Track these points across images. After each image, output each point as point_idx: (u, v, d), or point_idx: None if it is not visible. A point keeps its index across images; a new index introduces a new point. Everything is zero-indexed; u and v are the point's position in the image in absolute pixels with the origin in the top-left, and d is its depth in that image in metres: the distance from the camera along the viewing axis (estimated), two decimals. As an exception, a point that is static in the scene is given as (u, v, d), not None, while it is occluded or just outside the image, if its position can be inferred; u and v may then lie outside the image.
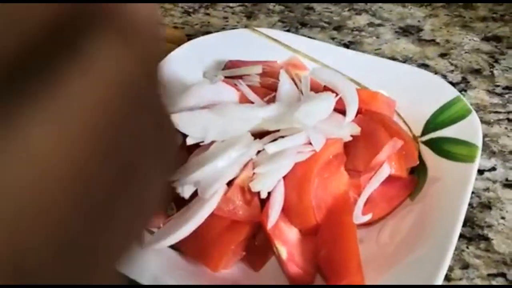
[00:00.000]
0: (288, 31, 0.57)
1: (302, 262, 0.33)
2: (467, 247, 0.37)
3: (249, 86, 0.41)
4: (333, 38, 0.56)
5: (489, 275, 0.36)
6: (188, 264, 0.34)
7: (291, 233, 0.33)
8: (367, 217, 0.34)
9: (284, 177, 0.34)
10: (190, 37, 0.56)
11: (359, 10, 0.59)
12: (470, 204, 0.38)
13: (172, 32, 0.55)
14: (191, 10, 0.61)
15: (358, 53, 0.46)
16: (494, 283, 0.36)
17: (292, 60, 0.46)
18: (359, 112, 0.40)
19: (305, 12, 0.60)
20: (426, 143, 0.39)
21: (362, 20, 0.58)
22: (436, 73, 0.51)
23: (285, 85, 0.41)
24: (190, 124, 0.37)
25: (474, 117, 0.39)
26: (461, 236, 0.37)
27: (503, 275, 0.36)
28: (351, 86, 0.40)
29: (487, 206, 0.40)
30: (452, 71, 0.51)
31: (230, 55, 0.47)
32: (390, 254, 0.34)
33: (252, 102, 0.40)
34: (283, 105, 0.38)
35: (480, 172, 0.42)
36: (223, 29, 0.58)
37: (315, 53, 0.46)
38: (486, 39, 0.55)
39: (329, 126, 0.36)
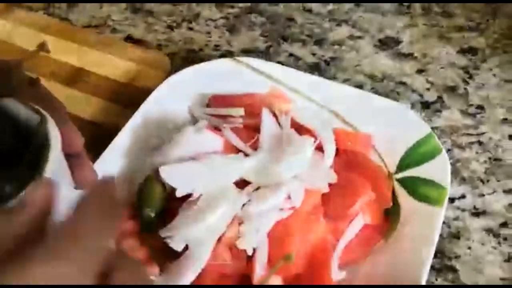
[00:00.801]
0: (270, 46, 0.58)
1: (285, 310, 0.36)
2: (436, 279, 0.41)
3: (232, 128, 0.43)
4: (314, 54, 0.57)
5: (454, 305, 0.40)
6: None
7: (276, 281, 0.37)
8: (343, 274, 0.37)
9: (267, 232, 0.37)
10: (173, 56, 0.58)
11: (339, 21, 0.60)
12: (440, 235, 0.42)
13: (154, 57, 0.56)
14: (174, 24, 0.61)
15: (338, 85, 0.48)
16: (458, 313, 0.40)
17: (274, 91, 0.48)
18: (336, 151, 0.42)
19: (286, 24, 0.60)
20: (399, 181, 0.42)
21: (342, 32, 0.59)
22: (413, 91, 0.53)
23: (267, 125, 0.43)
24: (178, 177, 0.40)
25: (443, 157, 0.42)
26: (432, 267, 0.40)
27: (467, 305, 0.40)
28: (329, 129, 0.42)
29: (455, 236, 0.43)
30: (428, 89, 0.53)
31: (213, 87, 0.49)
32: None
33: (237, 149, 0.42)
34: (265, 153, 0.41)
35: (451, 200, 0.45)
36: (206, 45, 0.59)
37: (296, 83, 0.48)
38: (461, 51, 0.56)
39: (308, 176, 0.39)
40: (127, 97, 0.52)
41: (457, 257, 0.42)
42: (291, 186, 0.38)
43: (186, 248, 0.38)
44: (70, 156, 0.34)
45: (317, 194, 0.38)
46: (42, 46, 0.32)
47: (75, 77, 0.54)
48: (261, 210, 0.37)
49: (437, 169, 0.41)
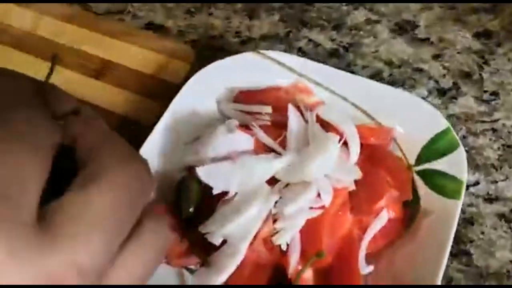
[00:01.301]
0: (290, 32, 0.59)
1: (317, 298, 0.40)
2: (451, 263, 0.45)
3: (260, 126, 0.46)
4: (332, 40, 0.59)
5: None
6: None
7: (307, 274, 0.40)
8: (371, 268, 0.41)
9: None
10: (194, 43, 0.59)
11: (356, 4, 0.61)
12: (455, 221, 0.45)
13: (179, 47, 0.57)
14: (193, 9, 0.62)
15: (359, 78, 0.50)
16: (472, 294, 0.44)
17: (298, 84, 0.50)
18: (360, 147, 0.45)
19: (304, 8, 0.61)
20: (419, 173, 0.45)
21: (359, 16, 0.60)
22: (430, 78, 0.55)
23: (293, 122, 0.46)
24: (214, 177, 0.43)
25: (461, 152, 0.44)
26: (447, 252, 0.44)
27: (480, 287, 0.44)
28: (353, 126, 0.45)
29: (470, 221, 0.47)
30: (444, 76, 0.55)
31: (239, 80, 0.51)
32: (387, 282, 0.41)
33: (267, 147, 0.45)
34: (293, 152, 0.43)
35: (466, 187, 0.48)
36: (227, 32, 0.60)
37: (319, 76, 0.50)
38: (477, 35, 0.58)
39: (334, 173, 0.42)
40: (153, 89, 0.54)
41: (471, 241, 0.46)
42: (320, 185, 0.41)
43: (224, 241, 0.42)
44: None
45: (344, 192, 0.41)
46: (54, 59, 0.31)
47: (101, 69, 0.56)
48: (293, 210, 0.40)
49: (455, 163, 0.44)
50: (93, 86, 0.54)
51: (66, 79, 0.54)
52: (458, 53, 0.57)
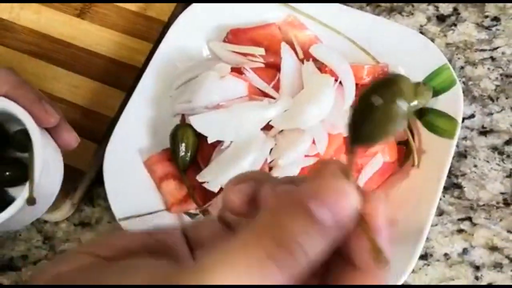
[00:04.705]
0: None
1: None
2: (443, 196, 0.46)
3: (253, 68, 0.45)
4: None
5: (458, 219, 0.46)
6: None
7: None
8: None
9: (295, 176, 0.41)
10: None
11: None
12: (449, 155, 0.46)
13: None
14: None
15: (355, 11, 0.48)
16: (462, 226, 0.45)
17: (290, 19, 0.48)
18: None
19: None
20: (414, 112, 0.45)
21: None
22: (429, 3, 0.52)
23: (287, 63, 0.45)
24: (208, 126, 0.43)
25: (457, 90, 0.44)
26: (439, 186, 0.45)
27: (469, 219, 0.46)
28: (347, 66, 0.44)
29: (463, 155, 0.47)
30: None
31: (229, 16, 0.48)
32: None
33: (261, 91, 0.44)
34: (288, 97, 0.43)
35: (461, 120, 0.48)
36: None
37: (312, 10, 0.48)
38: (481, -48, 0.54)
39: (330, 118, 0.42)
40: (139, 27, 0.52)
41: (463, 175, 0.47)
42: (315, 133, 0.41)
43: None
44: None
45: (339, 138, 0.41)
46: None
47: (83, 6, 0.53)
48: (288, 160, 0.40)
49: (451, 102, 0.43)
50: (77, 26, 0.52)
51: (46, 19, 0.52)
52: (461, -27, 0.53)
